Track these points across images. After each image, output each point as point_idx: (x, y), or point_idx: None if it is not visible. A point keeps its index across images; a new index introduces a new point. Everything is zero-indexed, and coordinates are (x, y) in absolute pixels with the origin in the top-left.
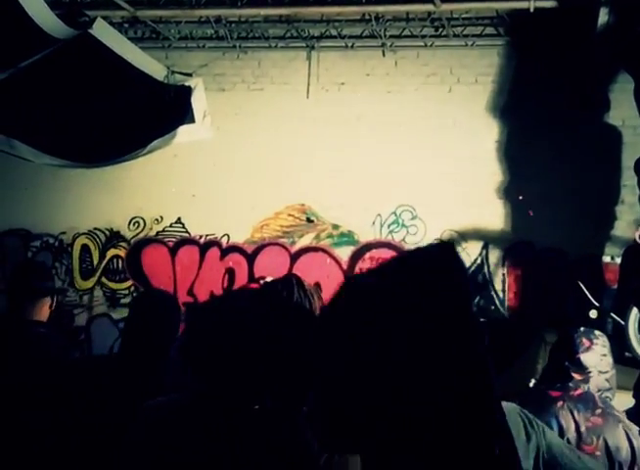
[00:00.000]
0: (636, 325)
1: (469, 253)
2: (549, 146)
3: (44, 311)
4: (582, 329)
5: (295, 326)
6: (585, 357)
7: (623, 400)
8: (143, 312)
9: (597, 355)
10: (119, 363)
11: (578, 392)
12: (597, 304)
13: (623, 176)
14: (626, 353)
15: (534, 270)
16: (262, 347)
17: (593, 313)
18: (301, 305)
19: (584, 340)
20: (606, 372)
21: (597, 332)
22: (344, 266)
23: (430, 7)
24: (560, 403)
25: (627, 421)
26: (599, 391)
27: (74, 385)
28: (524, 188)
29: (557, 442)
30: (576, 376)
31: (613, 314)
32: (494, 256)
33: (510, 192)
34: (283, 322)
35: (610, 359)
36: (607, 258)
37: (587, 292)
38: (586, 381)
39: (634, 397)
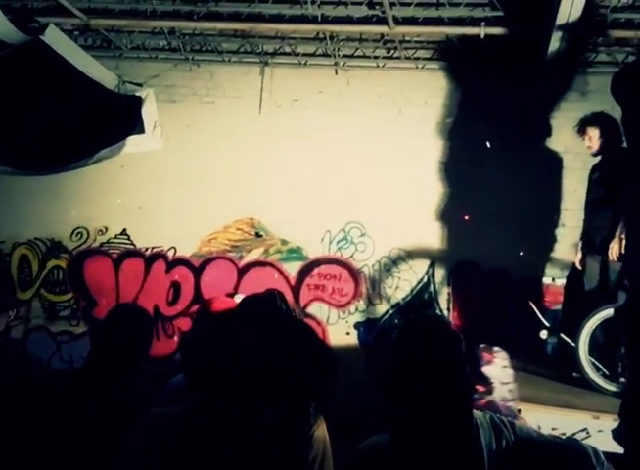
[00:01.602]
0: (586, 347)
1: (415, 271)
2: (494, 169)
3: (1, 324)
4: (482, 345)
5: (288, 341)
6: (487, 370)
7: (577, 421)
8: (115, 326)
9: (498, 368)
10: (87, 376)
11: (483, 402)
12: (547, 324)
13: (565, 200)
14: (575, 374)
15: (478, 290)
16: (260, 362)
17: (544, 334)
18: (290, 321)
19: (485, 354)
20: (507, 383)
21: (496, 347)
22: (292, 282)
23: (384, 29)
24: None
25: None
26: (503, 400)
27: (39, 395)
28: (469, 209)
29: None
30: (480, 388)
31: (563, 335)
32: (440, 274)
33: (456, 212)
34: (276, 338)
35: (510, 371)
36: (547, 280)
37: (538, 312)
38: (490, 392)
39: (620, 415)
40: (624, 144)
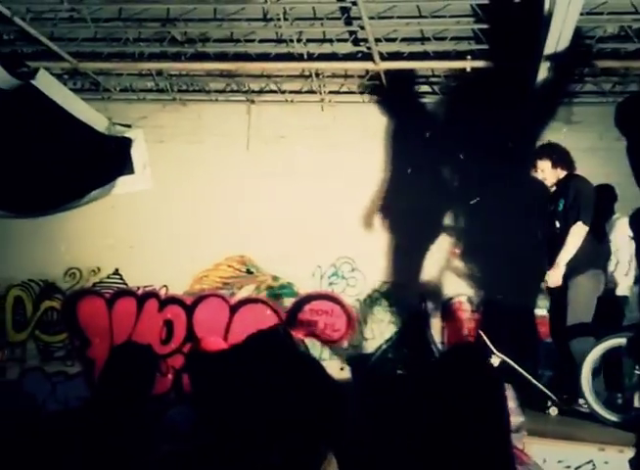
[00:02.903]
0: (589, 377)
1: (407, 305)
2: (483, 200)
3: None
4: None
5: (295, 376)
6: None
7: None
8: (120, 364)
9: (511, 403)
10: (92, 413)
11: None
12: (496, 353)
13: None
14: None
15: (472, 322)
16: (271, 400)
17: (495, 361)
18: (296, 355)
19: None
20: (518, 419)
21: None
22: (284, 318)
23: (369, 65)
24: None
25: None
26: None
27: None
28: (459, 241)
29: None
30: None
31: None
32: (432, 307)
33: (446, 245)
34: (284, 373)
35: (518, 406)
36: (541, 311)
37: (487, 340)
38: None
39: (636, 446)
40: (575, 172)
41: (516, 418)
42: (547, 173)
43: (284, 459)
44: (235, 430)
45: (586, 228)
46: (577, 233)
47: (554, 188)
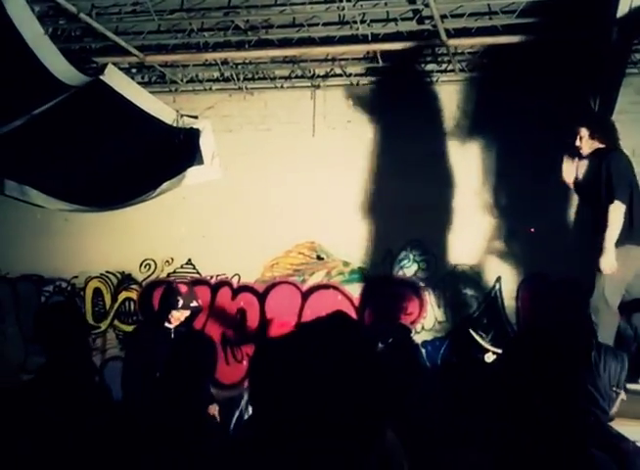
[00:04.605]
0: None
1: (481, 286)
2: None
3: None
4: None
5: (359, 365)
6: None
7: None
8: (181, 351)
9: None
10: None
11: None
12: (493, 348)
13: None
14: None
15: (548, 302)
16: (332, 386)
17: (488, 357)
18: (358, 343)
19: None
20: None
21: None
22: (356, 303)
23: (436, 43)
24: None
25: None
26: None
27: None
28: (533, 221)
29: None
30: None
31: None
32: (507, 288)
33: (520, 225)
34: (348, 361)
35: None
36: None
37: (478, 337)
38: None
39: None
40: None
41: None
42: (583, 142)
43: (344, 446)
44: (298, 419)
45: (624, 206)
46: (616, 213)
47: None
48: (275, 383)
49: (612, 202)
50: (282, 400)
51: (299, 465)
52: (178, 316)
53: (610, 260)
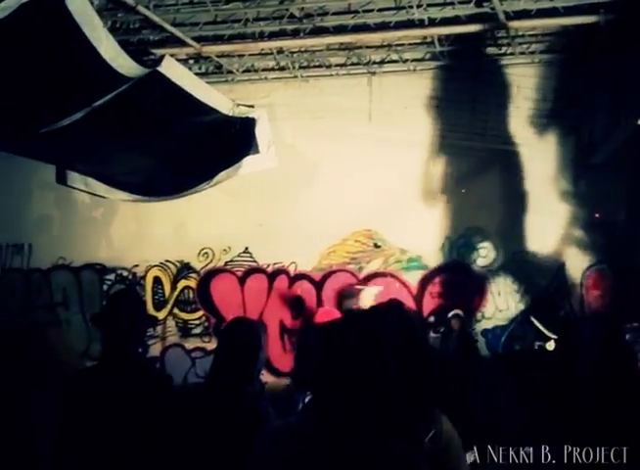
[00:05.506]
0: None
1: (544, 274)
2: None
3: None
4: None
5: (414, 355)
6: None
7: None
8: (233, 340)
9: None
10: (210, 389)
11: None
12: (554, 336)
13: None
14: None
15: (611, 289)
16: (390, 376)
17: (550, 345)
18: (412, 332)
19: None
20: None
21: None
22: (414, 291)
23: (495, 25)
24: None
25: None
26: None
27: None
28: (599, 209)
29: None
30: None
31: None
32: (570, 276)
33: (587, 214)
34: (404, 350)
35: None
36: None
37: (540, 325)
38: None
39: None
40: None
41: None
42: None
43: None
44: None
45: None
46: None
47: None
48: (337, 367)
49: None
50: (343, 385)
51: (361, 449)
52: None
53: None
